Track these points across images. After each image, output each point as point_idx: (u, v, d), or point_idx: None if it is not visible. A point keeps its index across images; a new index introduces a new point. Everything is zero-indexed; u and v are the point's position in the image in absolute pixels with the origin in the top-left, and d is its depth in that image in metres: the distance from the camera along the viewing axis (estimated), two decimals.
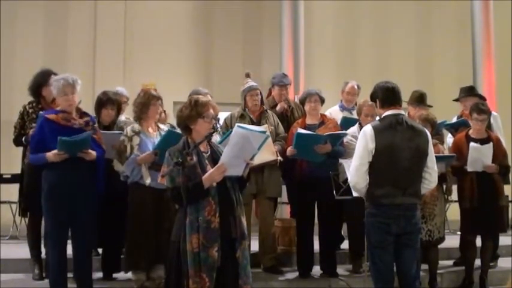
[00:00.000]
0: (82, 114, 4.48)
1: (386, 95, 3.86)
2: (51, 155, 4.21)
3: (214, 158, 3.57)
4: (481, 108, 5.27)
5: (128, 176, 4.62)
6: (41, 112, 4.83)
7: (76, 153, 4.27)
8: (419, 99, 5.73)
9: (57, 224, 4.28)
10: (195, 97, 3.73)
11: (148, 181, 4.56)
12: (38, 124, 4.36)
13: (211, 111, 3.69)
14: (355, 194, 3.93)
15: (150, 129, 4.73)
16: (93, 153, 4.35)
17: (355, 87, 6.31)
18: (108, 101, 5.03)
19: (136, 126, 4.71)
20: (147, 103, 4.71)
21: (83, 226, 4.34)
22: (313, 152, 5.08)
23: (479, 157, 5.15)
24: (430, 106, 5.77)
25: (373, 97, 3.99)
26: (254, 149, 3.51)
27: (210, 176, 3.45)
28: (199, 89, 5.52)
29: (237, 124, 3.72)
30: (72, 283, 4.47)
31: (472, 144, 5.17)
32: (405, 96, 4.29)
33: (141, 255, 4.58)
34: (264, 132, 3.67)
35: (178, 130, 4.66)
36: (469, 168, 5.18)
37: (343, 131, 5.35)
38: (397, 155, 3.72)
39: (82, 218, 4.32)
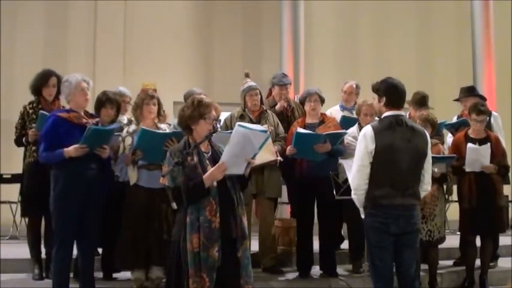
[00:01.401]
0: (89, 115, 4.49)
1: (392, 96, 3.82)
2: (72, 149, 4.16)
3: (215, 158, 3.57)
4: (480, 109, 5.26)
5: (118, 176, 4.67)
6: (41, 111, 4.83)
7: (96, 147, 4.25)
8: (421, 101, 5.73)
9: (67, 224, 4.24)
10: (198, 97, 3.72)
11: (133, 181, 4.61)
12: (49, 122, 4.30)
13: (213, 112, 3.69)
14: (353, 197, 3.88)
15: None
16: (108, 151, 4.37)
17: (354, 86, 6.30)
18: (107, 101, 5.03)
19: (133, 127, 4.73)
20: (140, 103, 4.73)
21: (90, 226, 4.34)
22: (313, 151, 5.08)
23: (477, 158, 5.15)
24: (431, 109, 5.77)
25: (377, 91, 3.94)
26: (255, 147, 3.50)
27: (211, 174, 3.45)
28: (193, 90, 5.50)
29: (237, 123, 3.71)
30: (72, 283, 4.47)
31: (469, 145, 5.17)
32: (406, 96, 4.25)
33: (129, 255, 4.59)
34: (265, 131, 3.67)
35: (151, 130, 4.70)
36: (467, 169, 5.18)
37: (343, 130, 5.34)
38: (397, 155, 3.71)
39: (90, 218, 4.32)
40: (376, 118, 4.70)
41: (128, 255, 4.59)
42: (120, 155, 4.65)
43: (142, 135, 4.53)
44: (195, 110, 3.61)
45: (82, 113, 4.39)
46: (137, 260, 4.61)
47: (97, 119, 4.51)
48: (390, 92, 3.83)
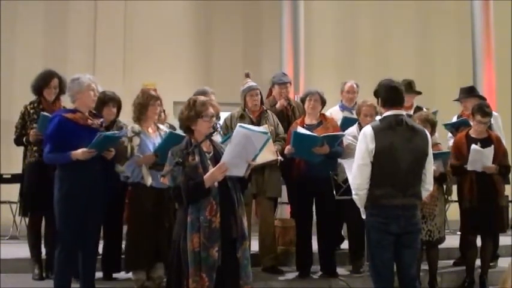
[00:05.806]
0: (93, 115, 4.48)
1: (389, 95, 3.84)
2: (80, 152, 4.15)
3: (217, 158, 3.57)
4: (486, 111, 5.23)
5: (128, 177, 4.63)
6: (42, 113, 4.83)
7: (103, 151, 4.29)
8: (407, 86, 5.68)
9: (71, 224, 4.22)
10: (193, 97, 3.75)
11: (149, 182, 4.56)
12: (54, 123, 4.27)
13: (211, 110, 3.68)
14: (354, 197, 3.89)
15: (149, 130, 4.74)
16: (113, 153, 4.40)
17: (354, 85, 6.31)
18: (110, 100, 5.04)
19: (136, 127, 4.71)
20: (146, 104, 4.70)
21: (93, 226, 4.34)
22: (311, 152, 5.07)
23: (480, 159, 5.14)
24: (419, 92, 5.94)
25: (376, 94, 3.98)
26: (256, 149, 3.51)
27: (212, 175, 3.45)
28: (204, 89, 5.49)
29: (238, 124, 3.72)
30: (72, 283, 4.46)
31: (473, 146, 5.14)
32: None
33: (140, 254, 4.58)
34: (266, 133, 3.67)
35: (179, 131, 4.70)
36: (469, 168, 5.17)
37: (341, 132, 5.31)
38: (397, 155, 3.71)
39: (94, 219, 4.32)
40: (378, 117, 4.70)
41: (139, 255, 4.56)
42: (133, 156, 4.58)
43: (169, 138, 4.50)
44: (191, 110, 3.62)
45: (87, 113, 4.37)
46: (147, 260, 4.60)
47: (101, 119, 4.49)
48: (385, 89, 3.87)
